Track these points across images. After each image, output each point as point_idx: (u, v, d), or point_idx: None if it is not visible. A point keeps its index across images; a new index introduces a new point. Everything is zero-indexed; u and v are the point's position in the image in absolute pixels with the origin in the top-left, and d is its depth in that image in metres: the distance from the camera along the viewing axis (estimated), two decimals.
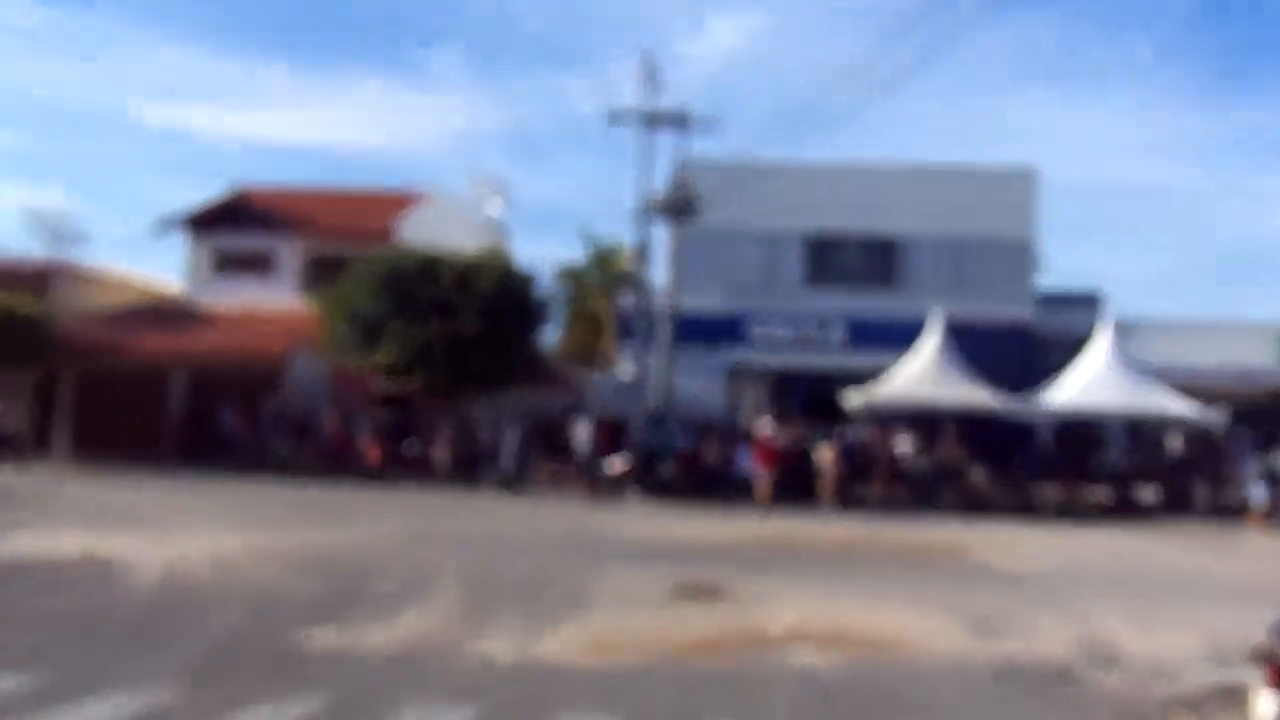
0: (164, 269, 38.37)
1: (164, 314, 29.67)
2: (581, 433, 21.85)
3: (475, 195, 31.36)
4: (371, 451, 23.47)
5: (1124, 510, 22.29)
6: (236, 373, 26.47)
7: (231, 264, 31.25)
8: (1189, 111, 72.98)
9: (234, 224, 31.14)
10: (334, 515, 16.97)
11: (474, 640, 8.82)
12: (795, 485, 21.88)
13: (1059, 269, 52.43)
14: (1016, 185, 27.27)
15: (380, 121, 79.34)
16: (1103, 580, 13.44)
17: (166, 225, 31.34)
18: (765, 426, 25.63)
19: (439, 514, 18.00)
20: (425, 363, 22.58)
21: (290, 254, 30.72)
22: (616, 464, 22.50)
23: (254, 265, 31.14)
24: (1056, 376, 23.88)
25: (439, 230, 27.60)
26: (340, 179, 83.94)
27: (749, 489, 22.09)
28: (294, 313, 29.44)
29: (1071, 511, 21.51)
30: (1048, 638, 9.61)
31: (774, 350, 28.06)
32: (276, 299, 29.98)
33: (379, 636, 8.82)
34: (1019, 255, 27.40)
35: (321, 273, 29.32)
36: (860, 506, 21.96)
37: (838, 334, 27.94)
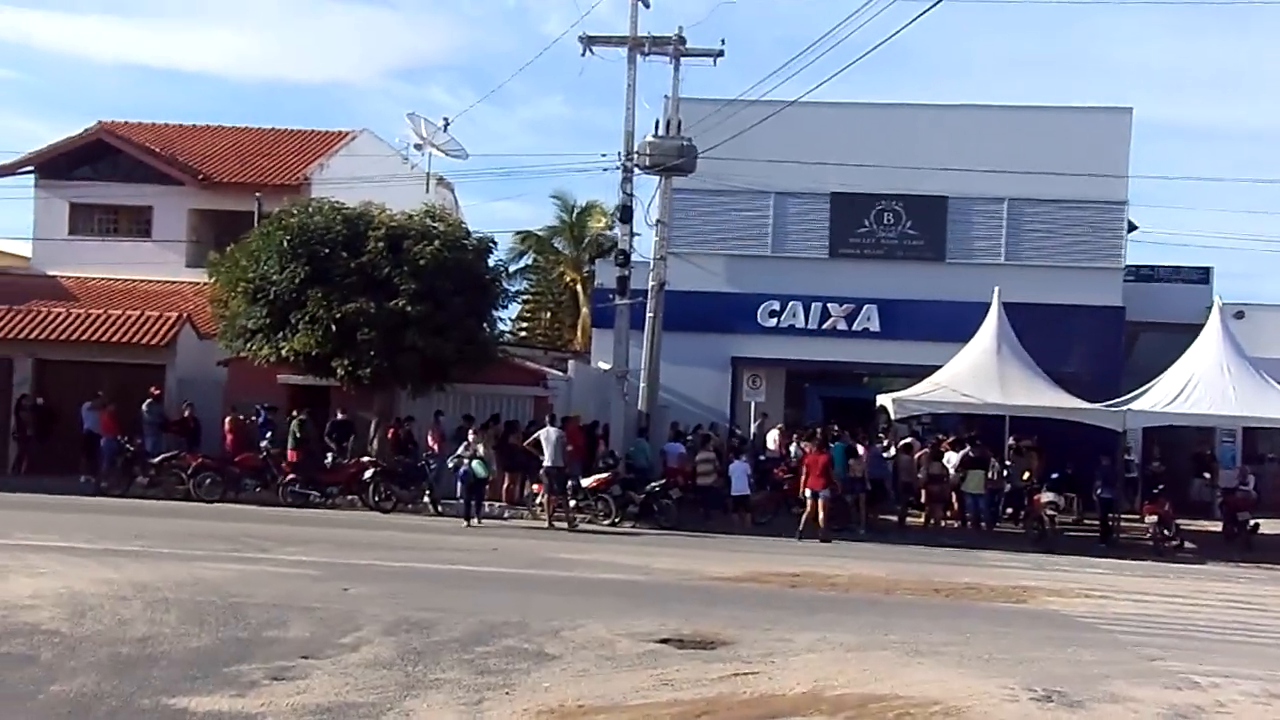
0: (5, 227, 37.90)
1: (4, 284, 29.26)
2: (548, 439, 21.69)
3: (415, 139, 30.97)
4: (279, 463, 23.30)
5: (1241, 546, 22.29)
6: (103, 362, 26.15)
7: (96, 221, 30.86)
8: None
9: (99, 170, 30.73)
10: (228, 543, 16.84)
11: (404, 706, 8.69)
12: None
13: (1157, 237, 52.07)
14: (1104, 130, 27.17)
15: (294, 44, 78.90)
16: (1214, 637, 13.36)
17: (9, 170, 30.91)
18: (775, 435, 25.73)
19: (365, 542, 17.89)
20: (349, 350, 22.40)
21: (174, 209, 30.39)
22: (592, 479, 22.36)
23: (126, 223, 30.77)
24: (1153, 374, 23.86)
25: (368, 182, 27.32)
26: (242, 115, 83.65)
27: (751, 512, 22.26)
28: (178, 285, 29.18)
29: (1171, 547, 21.49)
30: (1140, 710, 9.51)
31: (789, 339, 28.00)
32: (156, 267, 29.68)
33: (281, 701, 8.68)
34: (1106, 219, 27.34)
35: (215, 234, 28.97)
36: (899, 536, 21.93)
37: (870, 318, 27.89)
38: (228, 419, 24.72)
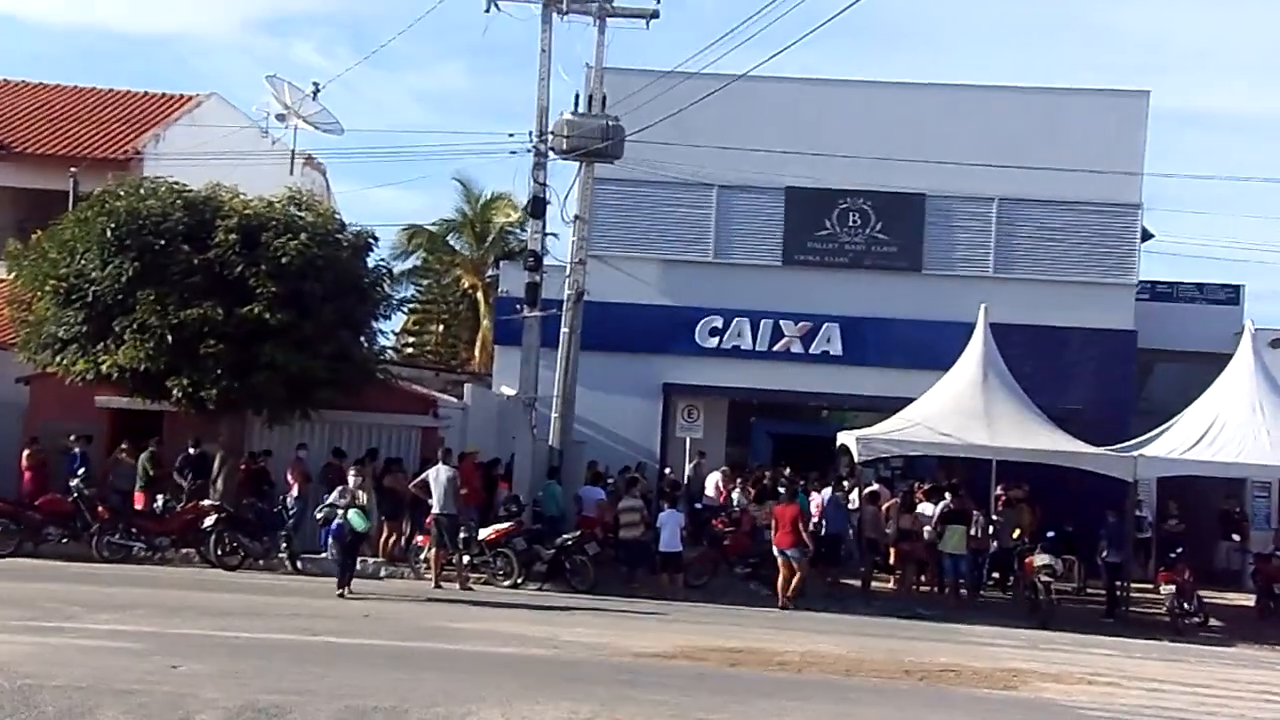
0: None
1: None
2: (438, 480, 21.52)
3: (277, 108, 30.73)
4: (96, 505, 22.93)
5: (1277, 624, 22.50)
6: None
7: None
8: None
9: None
10: (22, 609, 16.48)
11: None
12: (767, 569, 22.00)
13: (1178, 248, 52.57)
14: (1115, 118, 27.75)
15: None
16: None
17: None
18: (715, 479, 25.72)
19: (203, 607, 17.64)
20: (189, 366, 22.16)
21: None
22: (490, 530, 22.26)
23: None
24: (1171, 414, 24.19)
25: (217, 159, 27.09)
26: (57, 70, 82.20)
27: (684, 572, 22.38)
28: None
29: (1191, 624, 21.70)
30: None
31: (733, 363, 28.10)
32: None
33: None
34: (1117, 225, 27.84)
35: (16, 217, 28.58)
36: (863, 604, 22.02)
37: (831, 340, 28.07)
38: (27, 451, 24.35)
